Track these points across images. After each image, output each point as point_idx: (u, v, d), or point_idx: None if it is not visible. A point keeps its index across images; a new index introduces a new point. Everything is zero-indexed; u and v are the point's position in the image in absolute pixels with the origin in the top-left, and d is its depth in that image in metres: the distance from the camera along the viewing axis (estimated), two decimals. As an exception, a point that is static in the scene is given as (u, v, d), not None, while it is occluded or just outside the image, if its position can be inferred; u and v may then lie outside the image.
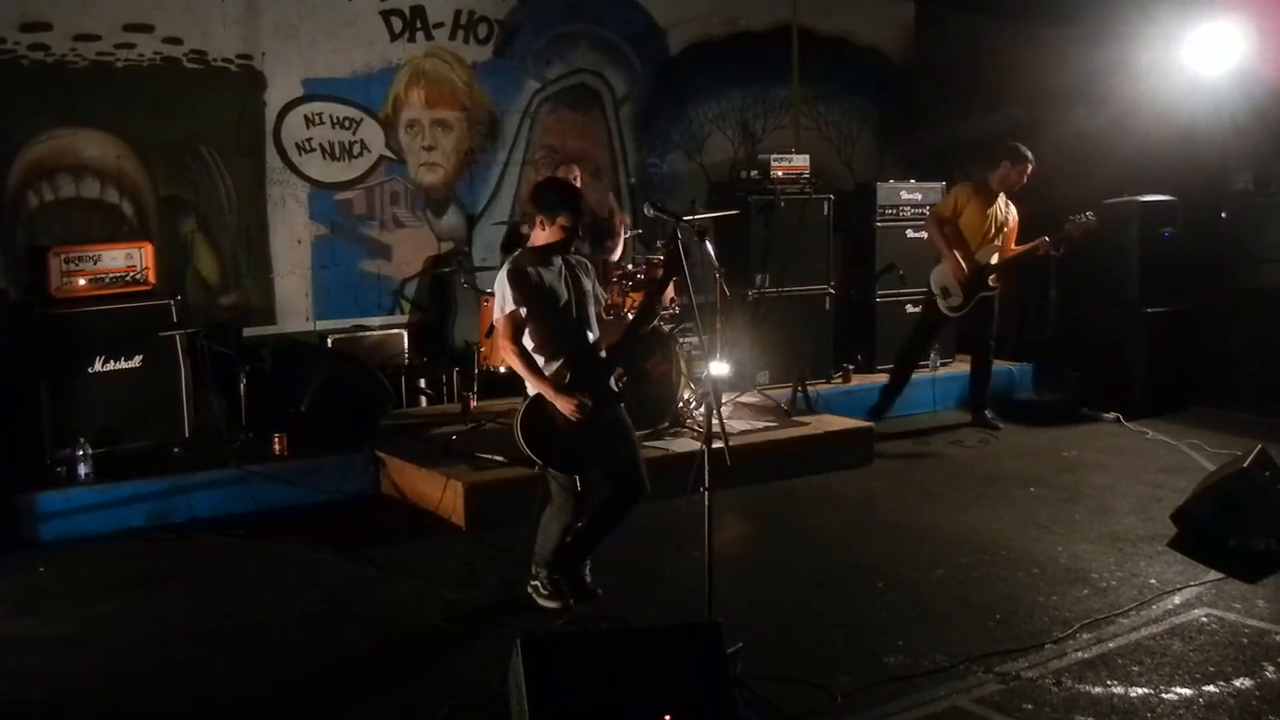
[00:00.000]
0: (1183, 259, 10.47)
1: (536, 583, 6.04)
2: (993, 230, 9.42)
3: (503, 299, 5.72)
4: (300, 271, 9.70)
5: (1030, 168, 9.39)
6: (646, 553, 6.62)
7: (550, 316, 5.77)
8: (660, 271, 6.59)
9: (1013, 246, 9.49)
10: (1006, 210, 9.52)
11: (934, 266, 9.57)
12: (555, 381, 5.70)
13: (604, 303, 6.11)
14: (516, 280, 5.69)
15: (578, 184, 9.28)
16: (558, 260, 5.85)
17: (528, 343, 5.77)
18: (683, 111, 11.50)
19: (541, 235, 5.83)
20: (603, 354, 5.91)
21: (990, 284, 9.41)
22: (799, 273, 10.37)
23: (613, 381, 5.91)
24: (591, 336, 5.90)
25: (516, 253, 5.92)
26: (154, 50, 8.94)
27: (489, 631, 5.65)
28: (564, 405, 5.63)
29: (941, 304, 9.51)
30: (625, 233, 9.46)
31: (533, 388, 5.75)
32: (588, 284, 5.95)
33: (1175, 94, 10.33)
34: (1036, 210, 10.59)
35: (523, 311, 5.69)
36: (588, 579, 6.13)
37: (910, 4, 12.89)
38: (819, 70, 12.15)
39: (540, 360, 5.77)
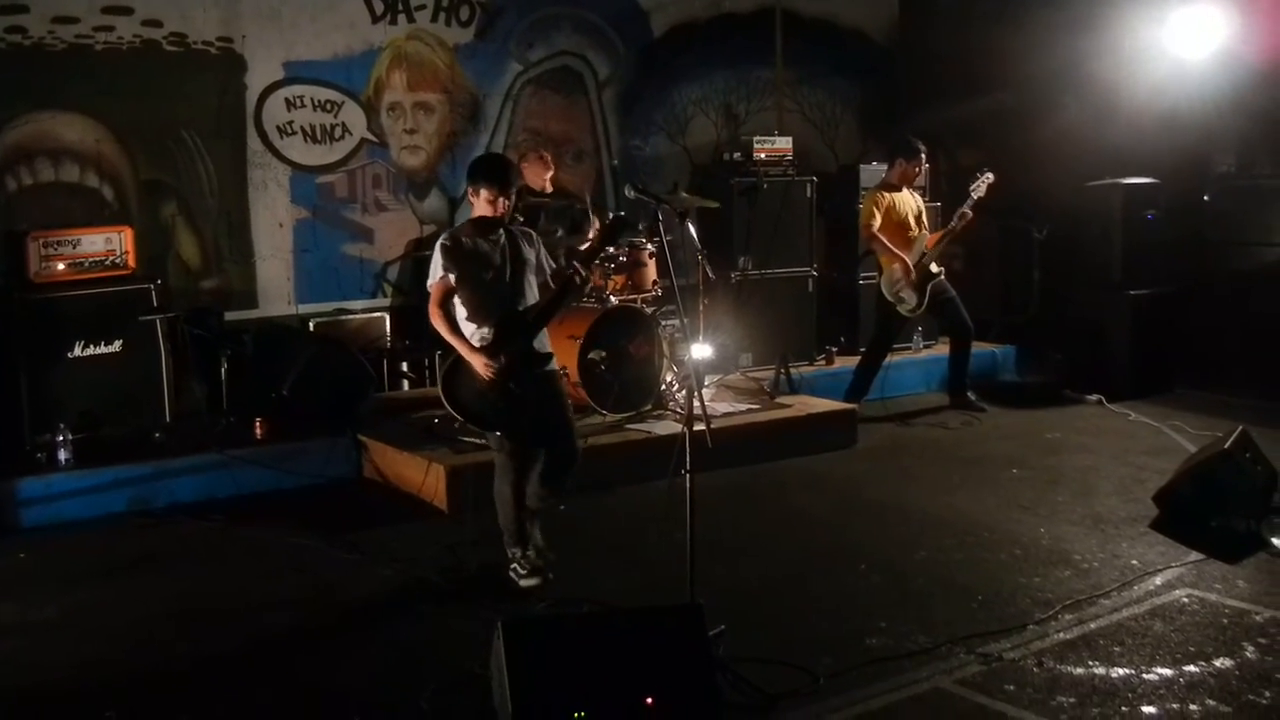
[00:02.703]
0: (1165, 241, 10.47)
1: (515, 565, 6.08)
2: (913, 222, 9.62)
3: (434, 267, 6.01)
4: (282, 255, 9.65)
5: (924, 157, 9.75)
6: (629, 535, 6.65)
7: (479, 284, 6.00)
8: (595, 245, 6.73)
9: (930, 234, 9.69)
10: (916, 201, 9.78)
11: (880, 277, 9.63)
12: (472, 342, 5.94)
13: (549, 271, 6.26)
14: (445, 249, 5.99)
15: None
16: (499, 230, 6.06)
17: (461, 310, 6.01)
18: (666, 94, 11.46)
19: (476, 207, 6.10)
20: (530, 319, 6.06)
21: (933, 270, 9.47)
22: (782, 255, 10.36)
23: (542, 345, 6.14)
24: (523, 304, 6.06)
25: (456, 225, 6.11)
26: (133, 33, 8.88)
27: (471, 614, 5.62)
28: (476, 362, 5.88)
29: (901, 309, 9.55)
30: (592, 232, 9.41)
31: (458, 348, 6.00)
32: (529, 254, 6.13)
33: (1158, 77, 10.32)
34: (1020, 192, 10.63)
35: (451, 278, 5.96)
36: (538, 541, 6.27)
37: (894, -14, 12.88)
38: (803, 53, 12.12)
39: (472, 327, 5.99)
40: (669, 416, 8.43)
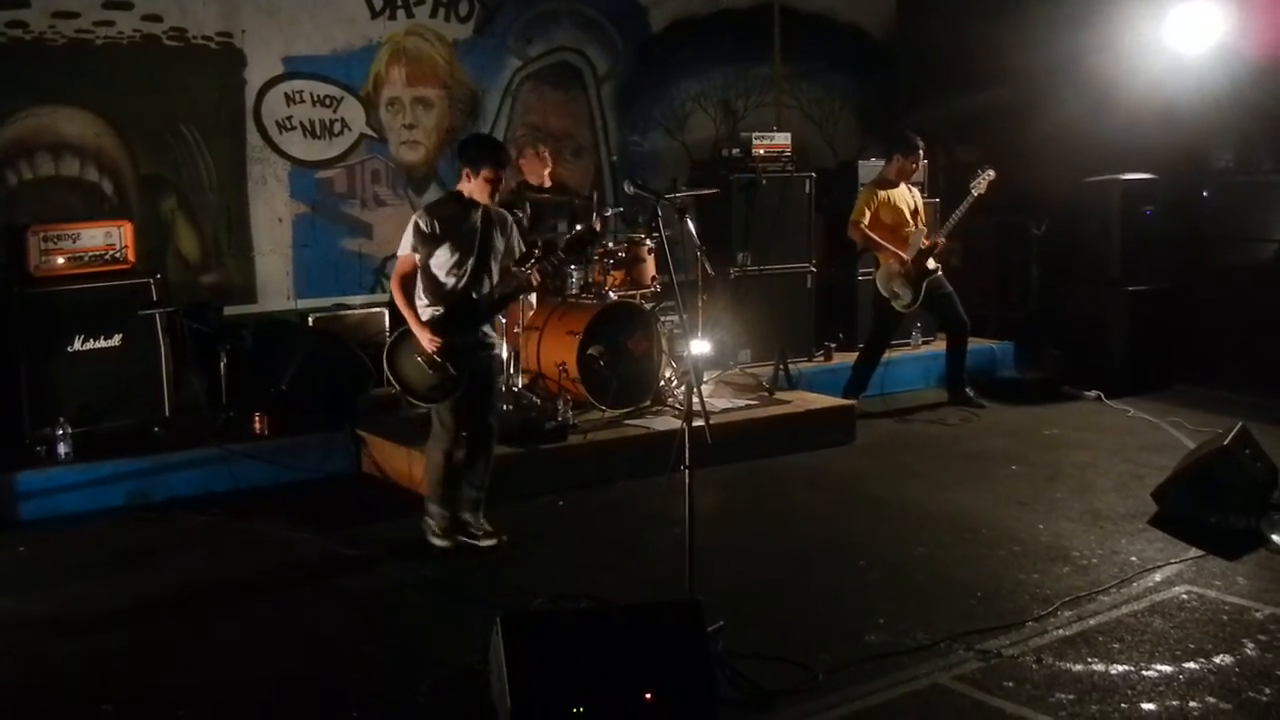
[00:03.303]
0: (1164, 237, 10.48)
1: (429, 519, 6.45)
2: (909, 218, 9.57)
3: (405, 239, 6.21)
4: (281, 250, 9.65)
5: (922, 153, 9.72)
6: (627, 531, 6.65)
7: (440, 265, 6.19)
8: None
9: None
10: (913, 196, 9.74)
11: (877, 272, 9.60)
12: (421, 317, 6.15)
13: (516, 256, 6.49)
14: (417, 228, 6.18)
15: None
16: (476, 211, 6.21)
17: (420, 283, 6.21)
18: (664, 89, 11.46)
19: (466, 186, 6.22)
20: (482, 306, 6.31)
21: (930, 267, 9.45)
22: (781, 251, 10.36)
23: (489, 332, 6.47)
24: (480, 288, 6.27)
25: (435, 199, 6.42)
26: (133, 28, 8.88)
27: (469, 609, 5.63)
28: (422, 336, 6.15)
29: (896, 305, 9.53)
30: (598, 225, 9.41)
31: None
32: (499, 241, 6.32)
33: (1157, 72, 10.33)
34: (1018, 187, 10.62)
35: (416, 257, 6.19)
36: (464, 517, 6.56)
37: (892, -18, 12.88)
38: (801, 48, 12.12)
39: (425, 302, 6.20)
40: (668, 412, 8.42)
